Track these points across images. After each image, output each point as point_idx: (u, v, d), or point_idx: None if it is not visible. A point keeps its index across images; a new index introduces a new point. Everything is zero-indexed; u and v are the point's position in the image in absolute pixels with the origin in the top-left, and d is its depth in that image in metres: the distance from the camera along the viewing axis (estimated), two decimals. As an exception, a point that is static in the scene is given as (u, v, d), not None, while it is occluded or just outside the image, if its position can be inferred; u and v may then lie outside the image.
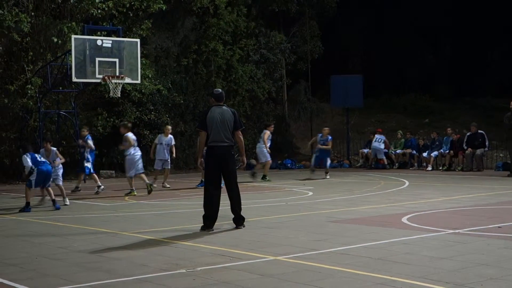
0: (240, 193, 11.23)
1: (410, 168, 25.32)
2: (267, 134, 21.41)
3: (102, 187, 18.02)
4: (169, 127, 20.36)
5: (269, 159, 21.54)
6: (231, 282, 7.10)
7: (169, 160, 19.85)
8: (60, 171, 15.70)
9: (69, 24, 22.56)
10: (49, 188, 14.83)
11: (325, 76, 32.60)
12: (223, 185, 11.23)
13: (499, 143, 26.49)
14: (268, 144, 21.36)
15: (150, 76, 24.65)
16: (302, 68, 33.76)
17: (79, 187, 18.58)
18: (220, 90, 11.70)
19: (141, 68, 21.81)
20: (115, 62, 20.33)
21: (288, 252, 8.73)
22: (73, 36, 20.24)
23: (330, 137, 22.39)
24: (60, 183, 15.55)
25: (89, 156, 18.18)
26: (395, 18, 41.00)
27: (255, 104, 31.43)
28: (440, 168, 24.55)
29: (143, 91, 25.19)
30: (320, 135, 22.55)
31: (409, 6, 40.38)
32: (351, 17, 40.77)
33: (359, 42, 41.85)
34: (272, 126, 22.38)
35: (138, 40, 21.79)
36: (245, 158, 11.64)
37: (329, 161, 22.48)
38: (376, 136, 26.33)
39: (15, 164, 23.22)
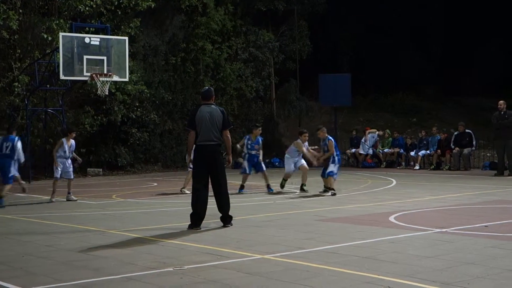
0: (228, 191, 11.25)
1: (398, 167, 25.39)
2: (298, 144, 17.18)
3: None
4: None
5: (292, 169, 17.29)
6: (219, 281, 7.09)
7: None
8: (70, 167, 16.04)
9: (57, 21, 22.49)
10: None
11: (313, 75, 32.62)
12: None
13: (486, 143, 26.60)
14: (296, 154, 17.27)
15: (134, 79, 24.58)
16: (290, 67, 33.78)
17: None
18: (207, 87, 11.67)
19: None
20: (103, 60, 20.28)
21: (275, 250, 8.73)
22: (61, 34, 20.18)
23: (260, 138, 17.48)
24: (71, 176, 16.02)
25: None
26: (384, 17, 41.06)
27: (243, 103, 31.44)
28: (428, 167, 24.63)
29: (129, 90, 25.10)
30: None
31: (398, 5, 40.46)
32: (340, 15, 40.81)
33: (348, 41, 41.88)
34: (304, 134, 17.31)
35: (127, 38, 21.75)
36: (231, 157, 11.62)
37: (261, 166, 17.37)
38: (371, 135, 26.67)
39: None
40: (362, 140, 26.70)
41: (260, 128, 17.97)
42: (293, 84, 34.07)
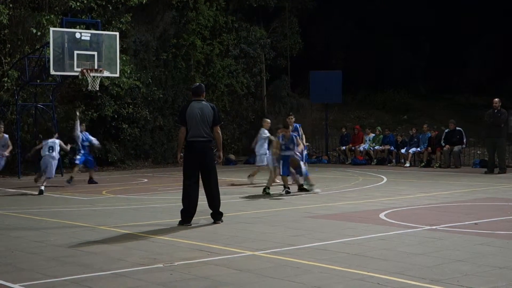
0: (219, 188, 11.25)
1: (388, 165, 25.41)
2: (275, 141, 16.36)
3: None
4: (268, 120, 18.50)
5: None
6: (209, 277, 7.09)
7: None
8: (54, 163, 16.88)
9: (48, 17, 22.39)
10: None
11: (304, 72, 32.64)
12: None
13: (477, 140, 26.67)
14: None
15: (128, 72, 24.52)
16: (282, 64, 33.78)
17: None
18: (198, 84, 11.65)
19: (119, 64, 21.67)
20: (93, 55, 20.22)
21: (266, 247, 8.73)
22: (51, 29, 20.10)
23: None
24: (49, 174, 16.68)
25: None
26: (375, 14, 41.10)
27: (234, 99, 31.41)
28: (418, 164, 24.66)
29: (121, 85, 25.06)
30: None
31: (389, 3, 40.50)
32: (331, 13, 40.82)
33: (339, 39, 41.91)
34: (284, 128, 15.91)
35: (117, 33, 21.67)
36: (221, 153, 11.59)
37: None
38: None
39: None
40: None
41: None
42: (284, 81, 34.07)
